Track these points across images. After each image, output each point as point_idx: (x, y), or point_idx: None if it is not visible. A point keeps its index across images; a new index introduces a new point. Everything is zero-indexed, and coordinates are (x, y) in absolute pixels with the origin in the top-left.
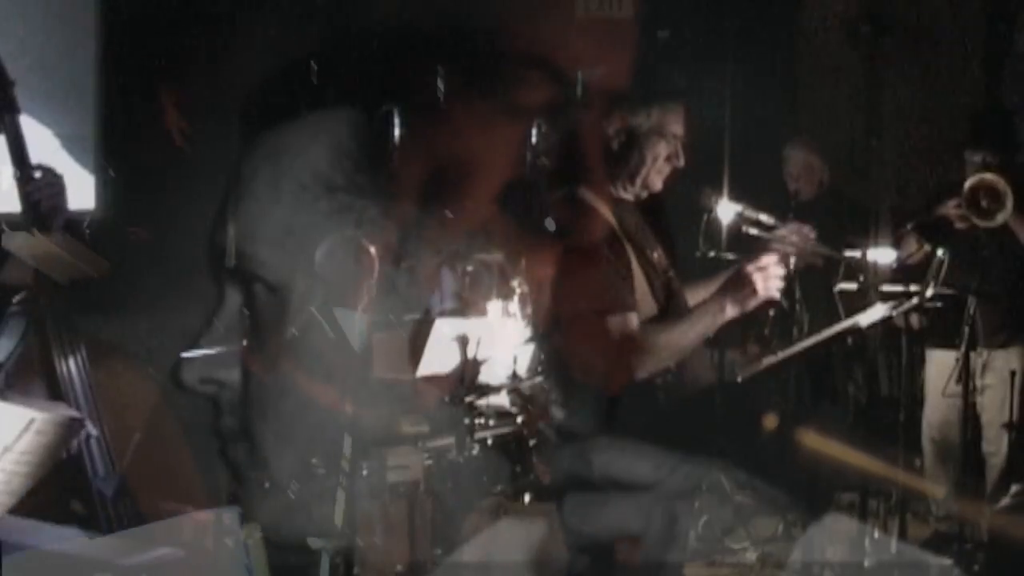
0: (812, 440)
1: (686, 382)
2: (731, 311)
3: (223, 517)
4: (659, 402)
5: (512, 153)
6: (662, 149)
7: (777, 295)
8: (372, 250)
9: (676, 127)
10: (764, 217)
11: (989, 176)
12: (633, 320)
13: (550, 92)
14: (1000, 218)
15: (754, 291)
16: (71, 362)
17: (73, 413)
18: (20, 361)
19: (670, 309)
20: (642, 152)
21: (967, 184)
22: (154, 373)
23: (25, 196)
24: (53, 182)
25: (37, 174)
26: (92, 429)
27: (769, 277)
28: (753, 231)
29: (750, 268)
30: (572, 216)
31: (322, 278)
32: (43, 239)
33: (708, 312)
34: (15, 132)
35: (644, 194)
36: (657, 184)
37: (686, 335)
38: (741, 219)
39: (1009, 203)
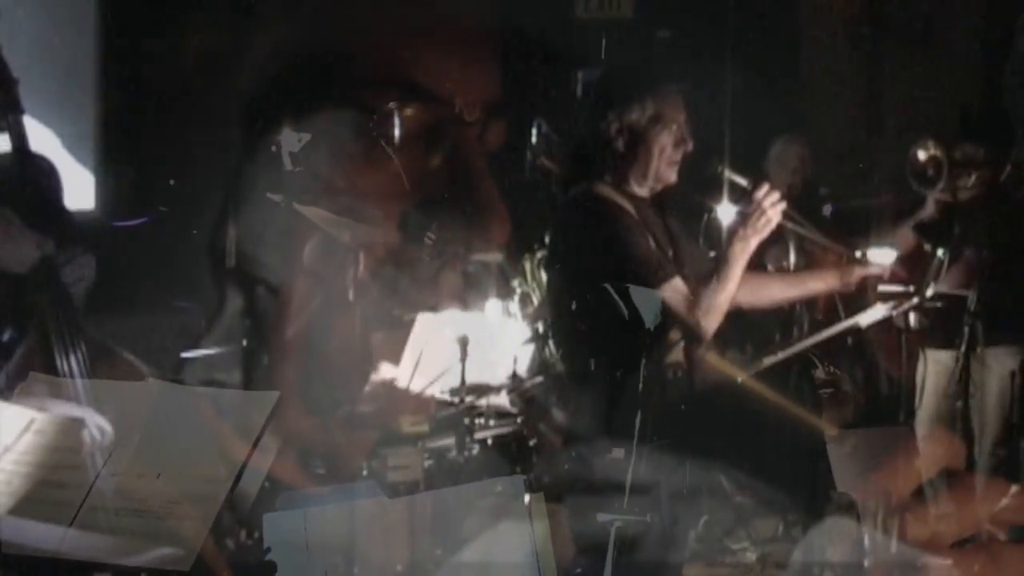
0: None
1: (695, 379)
2: (753, 241)
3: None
4: (668, 400)
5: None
6: (667, 138)
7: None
8: (356, 245)
9: (675, 113)
10: (742, 180)
11: (923, 151)
12: (680, 283)
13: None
14: (938, 187)
15: (768, 217)
16: (72, 360)
17: (75, 413)
18: (22, 359)
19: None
20: (648, 146)
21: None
22: (154, 373)
23: (55, 273)
24: (85, 264)
25: (72, 257)
26: (104, 425)
27: (774, 202)
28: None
29: (759, 195)
30: (591, 212)
31: (311, 275)
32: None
33: (736, 250)
34: (19, 132)
35: (659, 187)
36: (671, 176)
37: (732, 277)
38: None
39: (945, 173)
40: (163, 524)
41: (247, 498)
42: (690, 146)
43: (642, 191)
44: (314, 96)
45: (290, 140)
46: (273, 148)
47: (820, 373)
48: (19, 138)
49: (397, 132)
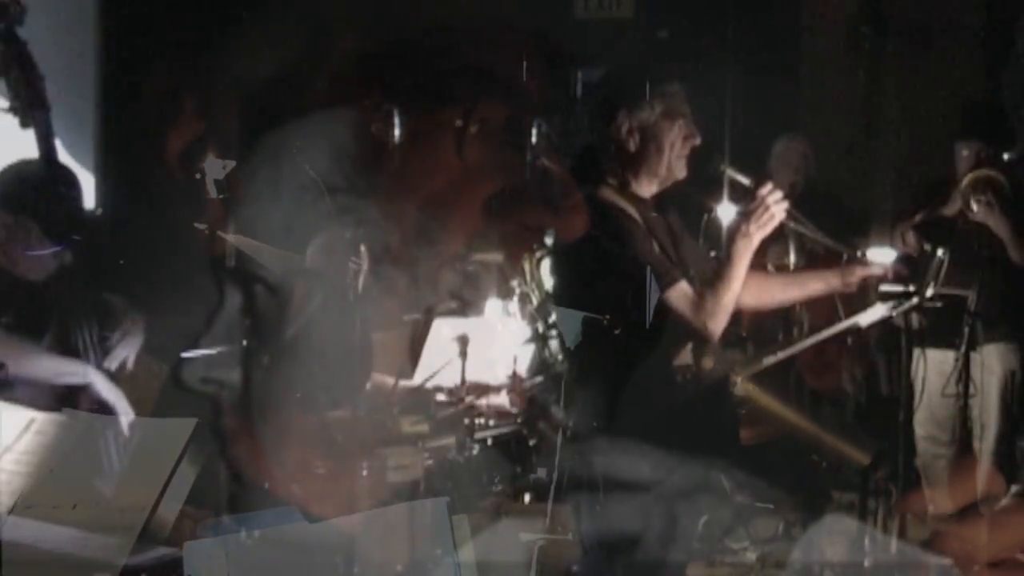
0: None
1: (701, 376)
2: (757, 238)
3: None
4: (677, 397)
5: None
6: (676, 133)
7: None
8: (362, 245)
9: (680, 107)
10: (744, 179)
11: (984, 171)
12: (686, 286)
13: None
14: (1000, 208)
15: (771, 214)
16: (92, 356)
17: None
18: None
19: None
20: (659, 142)
21: (964, 180)
22: (156, 371)
23: (72, 280)
24: (133, 331)
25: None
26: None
27: (778, 200)
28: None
29: (763, 192)
30: (595, 218)
31: (314, 273)
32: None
33: (740, 247)
34: (45, 130)
35: (669, 183)
36: (682, 170)
37: (736, 276)
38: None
39: (1007, 196)
40: (78, 555)
41: (165, 525)
42: (698, 139)
43: (650, 190)
44: (402, 90)
45: (214, 168)
46: (198, 176)
47: (738, 390)
48: (45, 135)
49: (477, 127)
